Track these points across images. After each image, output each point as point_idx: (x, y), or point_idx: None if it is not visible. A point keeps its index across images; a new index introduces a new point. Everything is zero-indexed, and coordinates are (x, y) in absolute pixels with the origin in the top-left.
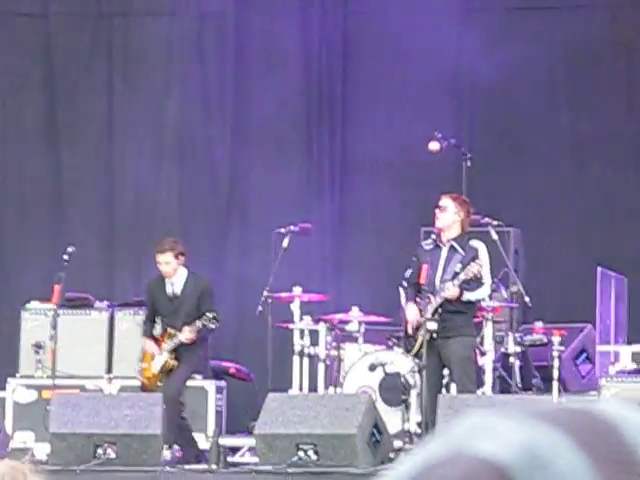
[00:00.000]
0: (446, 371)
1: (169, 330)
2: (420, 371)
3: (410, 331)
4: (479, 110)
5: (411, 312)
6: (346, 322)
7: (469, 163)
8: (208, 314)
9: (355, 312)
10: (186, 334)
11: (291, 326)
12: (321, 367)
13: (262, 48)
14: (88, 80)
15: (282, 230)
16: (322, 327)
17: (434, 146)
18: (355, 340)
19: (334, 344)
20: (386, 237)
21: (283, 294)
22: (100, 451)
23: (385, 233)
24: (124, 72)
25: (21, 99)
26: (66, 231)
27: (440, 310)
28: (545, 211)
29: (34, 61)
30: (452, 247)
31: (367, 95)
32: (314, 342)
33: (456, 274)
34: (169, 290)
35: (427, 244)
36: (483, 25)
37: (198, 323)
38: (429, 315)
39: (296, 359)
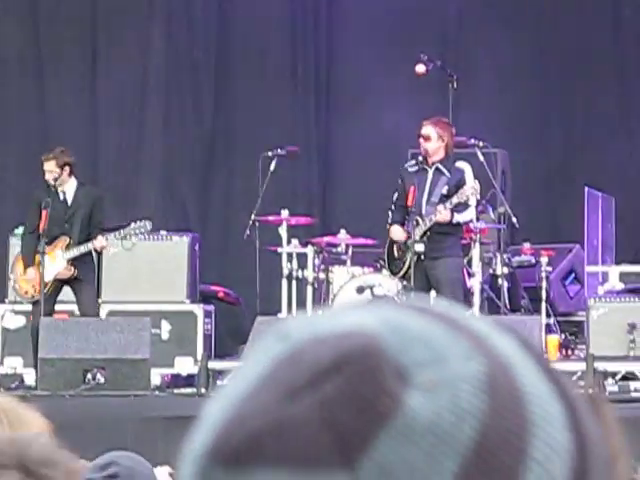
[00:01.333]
0: (434, 292)
1: (66, 238)
2: (408, 293)
3: (396, 253)
4: (464, 30)
5: (397, 233)
6: (334, 245)
7: (455, 85)
8: (134, 223)
9: (343, 235)
10: (102, 242)
11: (279, 249)
12: (309, 290)
13: None
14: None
15: (269, 154)
16: (310, 250)
17: (420, 69)
18: (343, 263)
19: (322, 267)
20: (373, 159)
21: (271, 217)
22: (89, 376)
23: (372, 155)
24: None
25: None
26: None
27: (428, 232)
28: (532, 131)
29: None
30: (437, 169)
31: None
32: (302, 265)
33: (443, 196)
34: (61, 198)
35: (412, 166)
36: None
37: (122, 232)
38: (417, 237)
39: (284, 282)
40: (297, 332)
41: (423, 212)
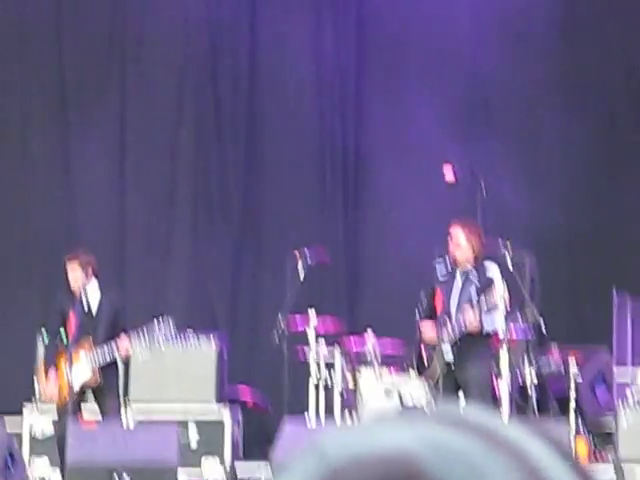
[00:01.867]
0: (462, 395)
1: (89, 342)
2: (436, 397)
3: (424, 353)
4: (494, 136)
5: (428, 330)
6: (361, 346)
7: (484, 192)
8: (160, 321)
9: (370, 335)
10: (126, 346)
11: (306, 350)
12: (336, 391)
13: (275, 73)
14: (100, 106)
15: (297, 255)
16: (337, 352)
17: (449, 176)
18: (371, 364)
19: (349, 368)
20: (400, 259)
21: (298, 318)
22: None
23: (399, 255)
24: (136, 98)
25: (31, 128)
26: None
27: (457, 339)
28: (560, 236)
29: (46, 86)
30: (466, 273)
31: (382, 126)
32: (329, 366)
33: (471, 302)
34: (85, 303)
35: (440, 270)
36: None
37: (146, 339)
38: (447, 345)
39: (311, 383)
40: (334, 450)
41: (452, 320)
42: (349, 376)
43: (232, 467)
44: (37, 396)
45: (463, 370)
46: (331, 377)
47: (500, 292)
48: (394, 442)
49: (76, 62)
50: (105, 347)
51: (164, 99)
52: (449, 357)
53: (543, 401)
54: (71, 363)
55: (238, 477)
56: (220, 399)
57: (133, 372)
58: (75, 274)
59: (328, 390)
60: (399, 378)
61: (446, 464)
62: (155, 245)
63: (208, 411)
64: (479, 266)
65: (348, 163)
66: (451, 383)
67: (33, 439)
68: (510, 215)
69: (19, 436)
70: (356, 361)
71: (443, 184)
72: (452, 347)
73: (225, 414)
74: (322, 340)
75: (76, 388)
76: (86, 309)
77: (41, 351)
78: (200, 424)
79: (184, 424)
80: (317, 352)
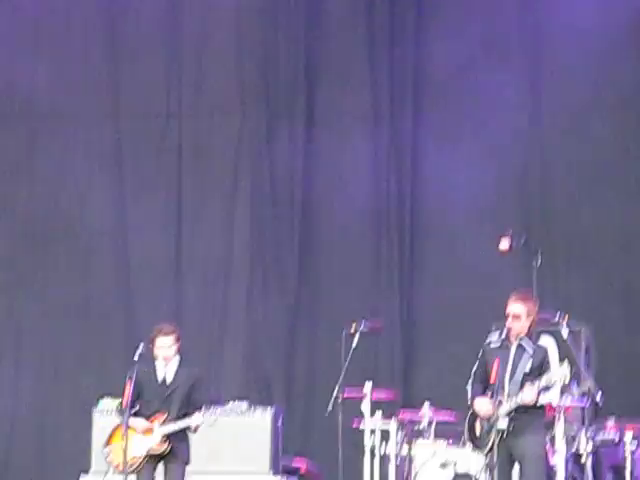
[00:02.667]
0: (517, 469)
1: (163, 413)
2: (491, 470)
3: (478, 430)
4: (549, 205)
5: (483, 406)
6: (417, 419)
7: (539, 260)
8: (236, 402)
9: (426, 408)
10: (198, 421)
11: (362, 424)
12: (392, 465)
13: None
14: (157, 179)
15: (352, 331)
16: (393, 424)
17: (504, 245)
18: (426, 437)
19: (405, 441)
20: (455, 333)
21: (354, 391)
22: None
23: (455, 329)
24: (193, 171)
25: (91, 199)
26: (136, 328)
27: (512, 414)
28: (616, 307)
29: (104, 162)
30: (520, 345)
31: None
32: (385, 439)
33: (526, 374)
34: (160, 377)
35: (494, 342)
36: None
37: (217, 413)
38: (502, 416)
39: (367, 457)
40: None
41: (506, 390)
42: (405, 448)
43: None
44: (106, 461)
45: (518, 441)
46: (386, 450)
47: (561, 372)
48: None
49: (133, 135)
50: (178, 421)
51: (221, 171)
52: (503, 425)
53: (598, 471)
54: (142, 432)
55: None
56: (275, 470)
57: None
58: (168, 348)
59: (383, 461)
60: (454, 451)
61: None
62: (210, 318)
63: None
64: (534, 338)
65: (404, 235)
66: (506, 454)
67: None
68: (566, 285)
69: None
70: (412, 433)
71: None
72: (506, 417)
73: None
74: (378, 412)
75: (141, 452)
76: (162, 381)
77: (113, 421)
78: None
79: None
80: (373, 423)
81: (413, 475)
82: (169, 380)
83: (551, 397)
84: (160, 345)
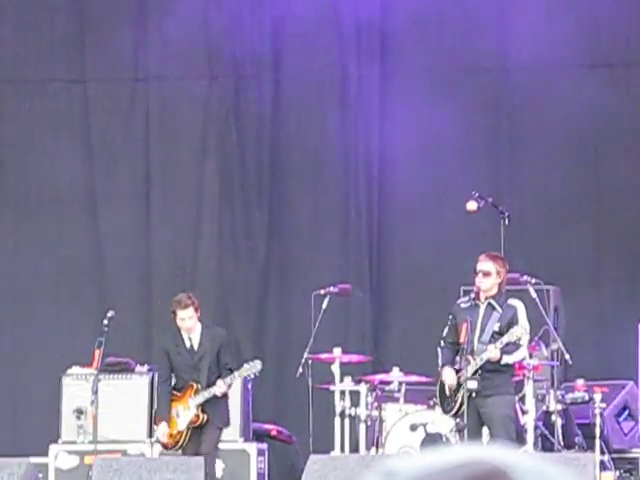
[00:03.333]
0: (486, 430)
1: (194, 385)
2: (461, 431)
3: (447, 392)
4: (517, 167)
5: (448, 376)
6: (387, 382)
7: (507, 221)
8: (246, 365)
9: (395, 372)
10: (221, 388)
11: (332, 387)
12: (362, 428)
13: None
14: (125, 144)
15: (321, 292)
16: (363, 388)
17: (472, 206)
18: (396, 400)
19: (375, 405)
20: (425, 296)
21: (323, 355)
22: None
23: (424, 293)
24: (160, 136)
25: (59, 166)
26: (105, 295)
27: (480, 370)
28: (585, 267)
29: (72, 128)
30: (490, 305)
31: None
32: (355, 403)
33: (495, 333)
34: (187, 345)
35: (464, 302)
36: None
37: (236, 374)
38: (469, 375)
39: (337, 420)
40: (406, 469)
41: (475, 349)
42: (375, 412)
43: None
44: (153, 437)
45: (486, 401)
46: (356, 413)
47: (522, 325)
48: (468, 455)
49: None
50: (206, 391)
51: (189, 137)
52: (472, 385)
53: (568, 430)
54: (179, 405)
55: None
56: (246, 437)
57: None
58: (189, 319)
59: (353, 426)
60: (425, 413)
61: (523, 472)
62: (180, 284)
63: (234, 447)
64: (503, 299)
65: (372, 200)
66: (475, 416)
67: (60, 472)
68: (535, 246)
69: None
70: (381, 396)
71: (467, 215)
72: (473, 375)
73: (251, 449)
74: (348, 378)
75: (182, 427)
76: (190, 349)
77: (70, 386)
78: (226, 454)
79: None
80: (343, 385)
81: (384, 436)
82: (196, 348)
83: (518, 357)
84: (181, 317)
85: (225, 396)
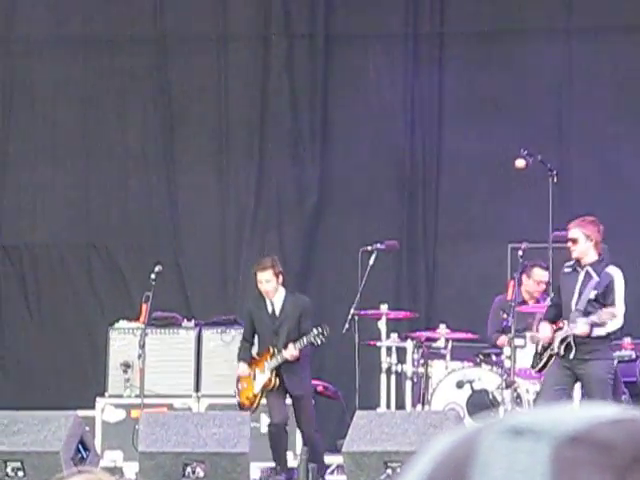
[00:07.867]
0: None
1: (271, 349)
2: (508, 387)
3: (539, 348)
4: (569, 127)
5: (544, 330)
6: (433, 339)
7: (555, 179)
8: (314, 330)
9: (442, 329)
10: (291, 351)
11: (378, 344)
12: (408, 384)
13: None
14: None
15: (369, 248)
16: (409, 344)
17: (520, 163)
18: (442, 357)
19: (421, 361)
20: (476, 254)
21: (370, 312)
22: (189, 470)
23: (475, 249)
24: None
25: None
26: (154, 251)
27: (569, 339)
28: (635, 225)
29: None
30: (588, 272)
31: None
32: (401, 360)
33: (591, 301)
34: (269, 309)
35: (567, 267)
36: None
37: (305, 340)
38: (558, 342)
39: (383, 377)
40: (541, 426)
41: (571, 315)
42: (421, 369)
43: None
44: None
45: (583, 365)
46: (403, 369)
47: (611, 312)
48: (614, 413)
49: None
50: (279, 356)
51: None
52: (557, 349)
53: (614, 388)
54: (256, 368)
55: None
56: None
57: (205, 365)
58: (266, 282)
59: (399, 382)
60: (471, 370)
61: None
62: (224, 242)
63: None
64: (602, 266)
65: (426, 160)
66: (566, 373)
67: (106, 425)
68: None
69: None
70: (428, 353)
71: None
72: (561, 342)
73: None
74: (394, 334)
75: (257, 390)
76: (272, 313)
77: (117, 339)
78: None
79: (257, 414)
80: (389, 342)
81: (430, 393)
82: (277, 313)
83: (611, 328)
84: (259, 280)
85: (301, 363)
